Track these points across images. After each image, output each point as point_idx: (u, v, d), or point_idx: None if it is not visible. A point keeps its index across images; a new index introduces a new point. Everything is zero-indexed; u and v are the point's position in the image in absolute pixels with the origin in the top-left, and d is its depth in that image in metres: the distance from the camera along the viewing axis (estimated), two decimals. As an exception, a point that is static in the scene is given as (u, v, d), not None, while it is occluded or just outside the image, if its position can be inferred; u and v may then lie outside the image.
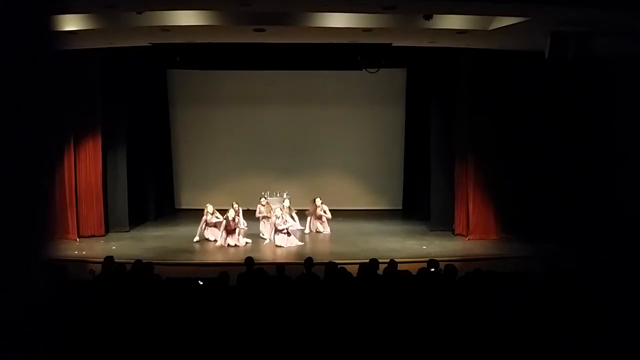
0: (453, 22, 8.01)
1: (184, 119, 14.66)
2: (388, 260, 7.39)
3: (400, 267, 7.16)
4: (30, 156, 1.51)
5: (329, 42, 9.95)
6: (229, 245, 10.97)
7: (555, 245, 10.25)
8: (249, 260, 7.36)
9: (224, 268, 7.02)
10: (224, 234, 10.97)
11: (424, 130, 12.72)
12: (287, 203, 12.01)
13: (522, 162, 11.52)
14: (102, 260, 7.63)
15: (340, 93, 14.47)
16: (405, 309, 5.20)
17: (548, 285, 5.99)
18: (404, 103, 14.31)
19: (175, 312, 5.09)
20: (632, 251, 8.15)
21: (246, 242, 11.18)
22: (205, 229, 11.38)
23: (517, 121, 11.45)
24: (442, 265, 7.01)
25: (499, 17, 7.80)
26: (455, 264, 7.16)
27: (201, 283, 6.29)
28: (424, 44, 9.90)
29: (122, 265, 7.38)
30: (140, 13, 7.51)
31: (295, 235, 11.35)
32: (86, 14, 7.69)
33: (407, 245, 11.03)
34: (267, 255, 10.36)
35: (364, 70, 12.80)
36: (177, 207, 14.81)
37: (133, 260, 7.37)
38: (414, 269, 6.78)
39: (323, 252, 10.70)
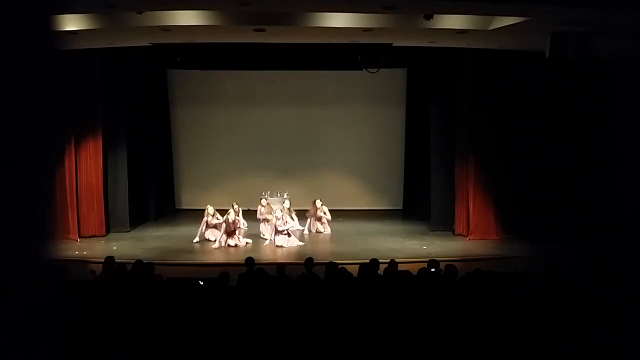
0: (453, 22, 8.01)
1: (185, 118, 14.66)
2: (388, 261, 7.39)
3: (400, 267, 7.16)
4: (30, 156, 1.51)
5: (329, 42, 9.95)
6: (229, 245, 10.97)
7: (555, 245, 10.25)
8: (250, 260, 7.36)
9: (224, 268, 7.02)
10: (224, 236, 10.97)
11: (424, 130, 12.72)
12: (287, 204, 12.01)
13: (522, 162, 11.52)
14: (103, 260, 7.63)
15: (340, 93, 14.48)
16: (405, 309, 5.20)
17: (548, 285, 5.99)
18: (404, 103, 14.31)
19: (175, 313, 5.09)
20: (632, 251, 8.15)
21: (246, 242, 11.19)
22: (205, 230, 11.38)
23: (517, 121, 11.45)
24: (442, 266, 7.01)
25: (499, 17, 7.80)
26: (456, 264, 7.16)
27: (202, 283, 6.29)
28: (424, 44, 9.90)
29: (122, 265, 7.39)
30: (140, 13, 7.51)
31: (295, 236, 11.35)
32: (86, 14, 7.69)
33: (407, 246, 11.03)
34: (267, 255, 10.36)
35: (364, 70, 12.80)
36: (177, 207, 14.82)
37: (134, 261, 7.37)
38: (414, 269, 6.78)
39: (323, 252, 10.70)
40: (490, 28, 8.08)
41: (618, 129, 10.30)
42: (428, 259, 7.60)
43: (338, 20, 7.96)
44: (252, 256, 7.59)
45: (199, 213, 11.88)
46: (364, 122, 14.63)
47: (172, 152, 14.66)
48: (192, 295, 5.74)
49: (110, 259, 7.51)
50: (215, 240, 11.06)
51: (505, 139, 11.50)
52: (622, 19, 7.01)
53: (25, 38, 1.49)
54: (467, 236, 11.53)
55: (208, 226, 11.38)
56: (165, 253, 10.44)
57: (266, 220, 11.69)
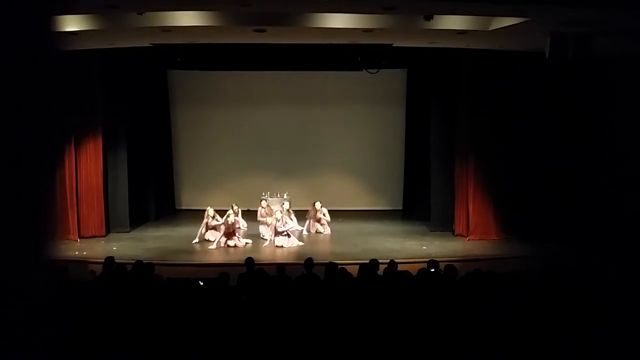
0: (453, 22, 8.01)
1: (185, 119, 14.67)
2: (388, 261, 7.40)
3: (400, 267, 7.16)
4: (30, 156, 1.51)
5: (329, 42, 9.96)
6: (228, 245, 10.97)
7: (555, 245, 10.25)
8: (249, 260, 7.36)
9: (224, 268, 7.02)
10: (223, 238, 10.96)
11: (424, 131, 12.72)
12: (286, 205, 12.00)
13: (522, 162, 11.52)
14: (103, 260, 7.64)
15: (340, 93, 14.48)
16: (405, 310, 5.21)
17: (548, 285, 5.99)
18: (404, 103, 14.32)
19: (175, 313, 5.10)
20: (632, 251, 8.15)
21: (246, 243, 11.19)
22: (205, 232, 11.38)
23: (517, 121, 11.45)
24: (442, 266, 7.01)
25: (499, 18, 7.80)
26: (455, 264, 7.16)
27: (201, 283, 6.29)
28: (425, 44, 9.91)
29: (122, 265, 7.39)
30: (141, 14, 7.52)
31: (294, 236, 11.36)
32: (87, 15, 7.70)
33: (407, 246, 11.03)
34: (267, 255, 10.36)
35: (364, 70, 12.80)
36: (177, 207, 14.82)
37: (134, 261, 7.37)
38: (414, 269, 6.78)
39: (323, 252, 10.70)
40: (490, 29, 8.09)
41: (618, 129, 10.30)
42: (428, 260, 7.60)
43: (338, 21, 7.97)
44: (252, 256, 7.59)
45: (199, 213, 11.88)
46: (364, 122, 14.63)
47: (172, 153, 14.66)
48: (192, 296, 5.74)
49: (110, 259, 7.51)
50: (214, 241, 11.06)
51: (505, 139, 11.50)
52: (622, 19, 7.02)
53: (25, 38, 1.49)
54: (467, 236, 11.53)
55: (208, 228, 11.38)
56: (165, 253, 10.44)
57: (266, 223, 11.68)
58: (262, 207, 11.93)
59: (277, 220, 11.09)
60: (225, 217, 11.18)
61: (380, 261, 7.14)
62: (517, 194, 11.54)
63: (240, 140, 14.69)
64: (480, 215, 11.51)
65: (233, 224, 11.01)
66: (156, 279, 6.91)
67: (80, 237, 11.38)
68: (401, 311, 5.16)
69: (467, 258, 9.92)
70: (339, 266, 6.78)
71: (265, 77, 14.15)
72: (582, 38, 7.76)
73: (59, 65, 1.61)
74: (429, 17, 7.49)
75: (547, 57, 8.00)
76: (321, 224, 12.29)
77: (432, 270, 7.00)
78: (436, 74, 12.21)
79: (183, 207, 14.77)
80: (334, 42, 9.84)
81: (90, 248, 10.77)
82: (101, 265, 7.55)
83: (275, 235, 11.02)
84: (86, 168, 11.65)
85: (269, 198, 12.52)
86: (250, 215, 12.29)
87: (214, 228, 11.30)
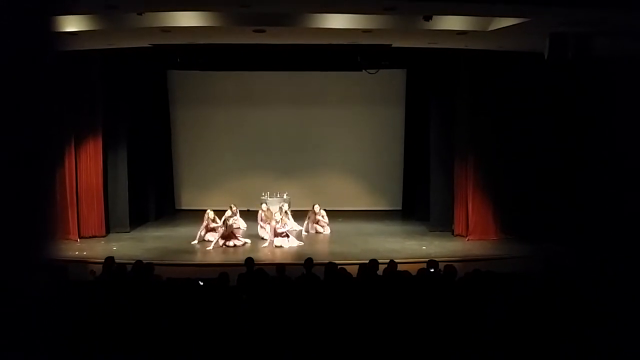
0: (453, 23, 8.01)
1: (185, 119, 14.68)
2: (388, 261, 7.40)
3: (400, 267, 7.16)
4: (31, 156, 1.51)
5: (328, 43, 9.96)
6: (227, 245, 10.97)
7: (555, 245, 10.25)
8: (249, 260, 7.36)
9: (224, 269, 7.02)
10: (221, 240, 10.96)
11: (424, 131, 12.73)
12: (285, 207, 12.00)
13: (522, 162, 11.52)
14: (103, 260, 7.63)
15: (340, 94, 14.49)
16: (404, 310, 5.21)
17: (548, 285, 5.99)
18: (403, 104, 14.32)
19: (175, 313, 5.10)
20: (632, 251, 8.15)
21: (245, 242, 11.18)
22: (205, 233, 11.38)
23: (517, 121, 11.45)
24: (441, 266, 7.01)
25: (498, 18, 7.80)
26: (455, 264, 7.16)
27: (201, 283, 6.29)
28: (424, 44, 9.91)
29: (122, 265, 7.39)
30: (140, 14, 7.52)
31: (293, 236, 11.37)
32: (87, 15, 7.70)
33: (406, 246, 11.03)
34: (267, 255, 10.36)
35: (364, 71, 12.80)
36: (177, 207, 14.83)
37: (134, 261, 7.38)
38: (413, 269, 6.78)
39: (323, 252, 10.71)
40: (490, 29, 8.09)
41: (618, 129, 10.30)
42: (427, 260, 7.60)
43: (338, 21, 7.97)
44: (251, 257, 7.59)
45: (199, 213, 11.88)
46: (364, 122, 14.64)
47: (172, 153, 14.66)
48: (192, 296, 5.74)
49: (110, 260, 7.51)
50: (212, 242, 11.03)
51: (505, 139, 11.50)
52: (622, 19, 7.02)
53: (26, 39, 1.50)
54: (466, 236, 11.53)
55: (208, 230, 11.38)
56: (165, 253, 10.44)
57: (267, 223, 11.66)
58: (263, 211, 11.90)
59: (277, 222, 11.10)
60: (223, 218, 11.18)
61: (380, 261, 7.14)
62: (517, 194, 11.54)
63: (240, 140, 14.69)
64: (480, 216, 11.51)
65: (231, 225, 11.02)
66: (156, 279, 6.91)
67: (80, 237, 11.39)
68: (401, 311, 5.16)
69: (466, 258, 9.92)
70: (339, 266, 6.78)
71: (265, 77, 14.16)
72: (582, 38, 7.76)
73: (59, 65, 1.61)
74: (428, 18, 7.49)
75: (546, 57, 8.01)
76: (320, 225, 12.33)
77: (432, 270, 7.00)
78: (436, 74, 12.21)
79: (183, 207, 14.77)
80: (334, 42, 9.84)
81: (90, 248, 10.77)
82: (101, 265, 7.54)
83: (274, 236, 11.03)
84: (86, 168, 11.66)
85: (268, 198, 12.51)
86: (250, 215, 12.28)
87: (214, 230, 11.30)
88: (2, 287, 1.48)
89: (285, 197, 12.68)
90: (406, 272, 6.54)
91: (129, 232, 12.15)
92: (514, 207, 11.53)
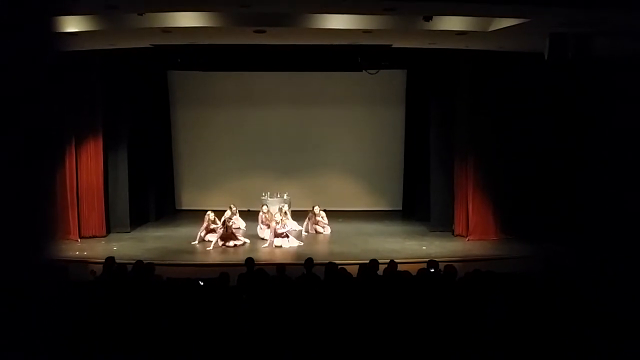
0: (453, 23, 8.01)
1: (185, 119, 14.68)
2: (388, 261, 7.40)
3: (400, 267, 7.17)
4: (31, 156, 1.52)
5: (329, 43, 9.96)
6: (227, 245, 10.97)
7: (555, 245, 10.25)
8: (250, 260, 7.37)
9: (224, 269, 7.02)
10: (220, 241, 10.96)
11: (424, 131, 12.73)
12: (285, 208, 12.00)
13: (522, 162, 11.52)
14: (103, 260, 7.64)
15: (340, 94, 14.49)
16: (405, 310, 5.21)
17: (548, 285, 5.99)
18: (404, 104, 14.32)
19: (176, 313, 5.10)
20: (632, 251, 8.15)
21: (244, 242, 11.18)
22: (205, 234, 11.38)
23: (517, 121, 11.45)
24: (441, 266, 7.02)
25: (498, 19, 7.81)
26: (455, 264, 7.16)
27: (202, 283, 6.29)
28: (424, 45, 9.91)
29: (123, 265, 7.39)
30: (141, 14, 7.52)
31: (293, 236, 11.37)
32: (87, 16, 7.70)
33: (407, 246, 11.03)
34: (267, 255, 10.36)
35: (364, 71, 12.81)
36: (177, 207, 14.83)
37: (134, 261, 7.38)
38: (413, 269, 6.78)
39: (323, 252, 10.71)
40: (490, 29, 8.09)
41: (618, 129, 10.30)
42: (427, 260, 7.60)
43: (338, 21, 7.97)
44: (252, 257, 7.59)
45: (199, 213, 11.89)
46: (364, 123, 14.64)
47: (172, 153, 14.67)
48: (192, 296, 5.75)
49: (110, 260, 7.52)
50: (212, 243, 11.03)
51: (505, 140, 11.50)
52: (622, 19, 7.02)
53: (26, 39, 1.50)
54: (467, 237, 11.53)
55: (208, 231, 11.39)
56: (166, 253, 10.45)
57: (267, 225, 11.67)
58: (264, 213, 11.89)
59: (277, 223, 11.11)
60: (222, 219, 11.18)
61: (380, 261, 7.15)
62: (517, 194, 11.54)
63: (240, 140, 14.69)
64: (480, 216, 11.51)
65: (230, 226, 11.02)
66: (156, 279, 6.92)
67: (80, 237, 11.39)
68: (401, 311, 5.16)
69: (466, 258, 9.92)
70: (339, 266, 6.78)
71: (265, 78, 14.16)
72: (582, 38, 7.76)
73: (59, 65, 1.61)
74: (428, 18, 7.49)
75: (546, 58, 8.01)
76: (320, 226, 12.35)
77: (432, 270, 7.01)
78: (436, 74, 12.21)
79: (183, 208, 14.78)
80: (334, 42, 9.85)
81: (91, 248, 10.77)
82: (101, 265, 7.55)
83: (274, 237, 11.03)
84: (87, 168, 11.67)
85: (269, 198, 12.51)
86: (250, 215, 12.28)
87: (214, 231, 11.30)
88: (3, 287, 1.48)
89: (285, 197, 12.68)
90: (406, 272, 6.54)
91: (129, 232, 12.15)
92: (514, 207, 11.53)
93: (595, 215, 10.46)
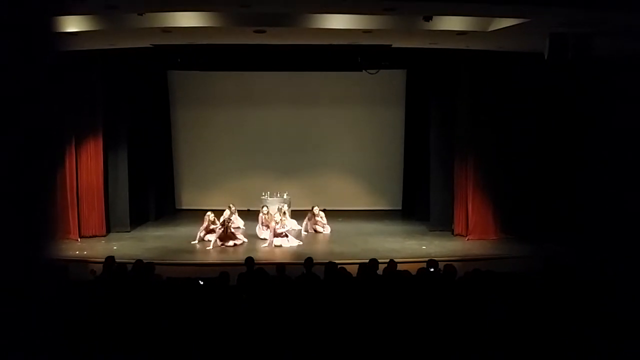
0: (453, 23, 8.02)
1: (185, 119, 14.68)
2: (388, 260, 7.40)
3: (399, 267, 7.17)
4: (31, 156, 1.52)
5: (329, 43, 9.96)
6: (226, 245, 10.97)
7: (555, 245, 10.26)
8: (249, 260, 7.37)
9: (224, 268, 7.02)
10: (219, 241, 10.96)
11: (424, 131, 12.74)
12: (284, 208, 12.00)
13: (522, 162, 11.53)
14: (103, 260, 7.64)
15: (340, 94, 14.49)
16: (404, 309, 5.21)
17: (548, 285, 5.99)
18: (403, 104, 14.33)
19: (175, 312, 5.10)
20: (632, 251, 8.15)
21: (243, 241, 11.18)
22: (205, 235, 11.39)
23: (517, 121, 11.46)
24: (441, 265, 7.02)
25: (498, 19, 7.81)
26: (455, 264, 7.17)
27: (202, 283, 6.30)
28: (424, 45, 9.91)
29: (123, 265, 7.40)
30: (141, 14, 7.52)
31: (292, 235, 11.38)
32: (88, 15, 7.70)
33: (406, 246, 11.04)
34: (267, 255, 10.37)
35: (364, 71, 12.81)
36: (177, 207, 14.84)
37: (134, 260, 7.38)
38: (413, 269, 6.78)
39: (323, 252, 10.71)
40: (490, 29, 8.09)
41: (618, 129, 10.30)
42: (427, 259, 7.61)
43: (338, 21, 7.98)
44: (251, 256, 7.59)
45: (199, 213, 11.89)
46: (364, 122, 14.64)
47: (172, 153, 14.67)
48: (192, 295, 5.75)
49: (110, 259, 7.52)
50: (211, 242, 11.03)
51: (505, 139, 11.50)
52: (622, 19, 7.02)
53: (26, 38, 1.50)
54: (466, 236, 11.54)
55: (207, 231, 11.39)
56: (166, 253, 10.45)
57: (267, 226, 11.67)
58: (264, 214, 11.89)
59: (277, 223, 11.11)
60: (222, 218, 11.18)
61: (379, 261, 7.15)
62: (517, 194, 11.55)
63: (240, 140, 14.70)
64: (480, 215, 11.52)
65: (229, 227, 11.02)
66: (156, 278, 6.92)
67: (80, 237, 11.40)
68: (401, 311, 5.16)
69: (466, 258, 9.93)
70: (339, 266, 6.78)
71: (265, 78, 14.16)
72: (582, 38, 7.77)
73: (59, 65, 1.61)
74: (428, 18, 7.49)
75: (546, 58, 8.01)
76: (320, 226, 12.36)
77: (432, 269, 7.01)
78: (436, 74, 12.22)
79: (183, 207, 14.78)
80: (334, 42, 9.85)
81: (91, 248, 10.78)
82: (101, 264, 7.55)
83: (274, 237, 11.04)
84: (87, 168, 11.68)
85: (269, 198, 12.51)
86: (250, 215, 12.28)
87: (213, 231, 11.31)
88: (3, 287, 1.48)
89: (285, 197, 12.68)
90: (406, 272, 6.54)
91: (129, 231, 12.16)
92: (513, 207, 11.54)
93: (595, 215, 10.47)
